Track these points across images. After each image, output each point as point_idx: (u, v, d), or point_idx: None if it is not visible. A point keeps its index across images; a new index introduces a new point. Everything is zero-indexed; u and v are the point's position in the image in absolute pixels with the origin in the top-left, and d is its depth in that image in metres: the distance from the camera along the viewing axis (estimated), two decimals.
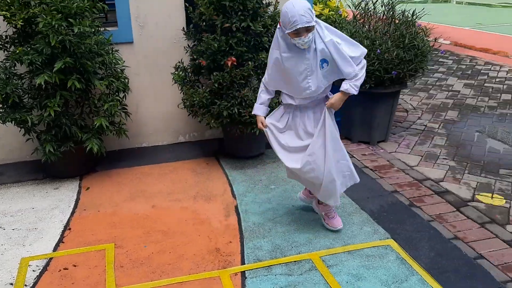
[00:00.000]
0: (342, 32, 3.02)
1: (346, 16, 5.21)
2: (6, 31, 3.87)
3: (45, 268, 2.89)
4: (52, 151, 3.78)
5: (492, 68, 7.98)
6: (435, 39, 4.87)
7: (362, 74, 2.84)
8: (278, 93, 3.14)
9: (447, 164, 4.33)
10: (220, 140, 4.86)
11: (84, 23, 3.65)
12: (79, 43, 3.61)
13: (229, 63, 3.86)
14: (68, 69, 3.65)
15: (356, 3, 4.83)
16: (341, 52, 2.76)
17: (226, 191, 3.84)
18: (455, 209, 3.53)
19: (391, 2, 4.67)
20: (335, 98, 2.89)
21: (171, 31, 4.50)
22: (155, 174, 4.17)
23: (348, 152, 3.12)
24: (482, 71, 7.77)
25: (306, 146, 2.99)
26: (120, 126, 4.15)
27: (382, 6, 4.74)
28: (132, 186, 3.94)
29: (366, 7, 4.78)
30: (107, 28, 4.17)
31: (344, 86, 2.84)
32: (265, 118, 3.14)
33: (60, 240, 3.19)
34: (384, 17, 4.73)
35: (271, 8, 4.15)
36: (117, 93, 4.06)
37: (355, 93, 2.86)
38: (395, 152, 4.61)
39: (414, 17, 4.62)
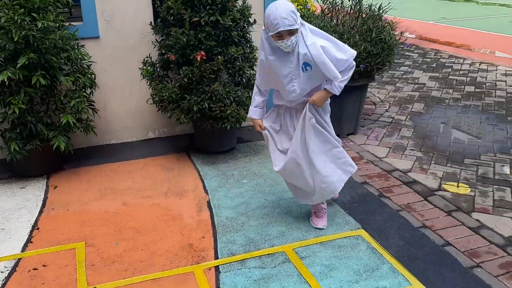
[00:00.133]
0: None
1: (314, 11, 5.24)
2: None
3: (13, 269, 2.82)
4: (18, 150, 3.67)
5: (455, 61, 8.20)
6: (401, 33, 4.97)
7: (348, 76, 2.82)
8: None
9: (414, 155, 4.43)
10: (190, 135, 4.83)
11: (48, 17, 3.56)
12: (43, 38, 3.52)
13: (199, 58, 3.84)
14: (32, 65, 3.56)
15: None
16: (323, 57, 2.69)
17: (197, 186, 3.83)
18: (422, 199, 3.62)
19: None
20: (318, 95, 2.87)
21: (139, 25, 4.43)
22: (124, 171, 4.12)
23: None
24: (446, 64, 7.97)
25: None
26: (88, 123, 4.07)
27: (349, 0, 4.80)
28: (102, 184, 3.88)
29: (334, 1, 4.82)
30: (72, 23, 4.07)
31: (328, 85, 2.83)
32: (261, 120, 3.11)
33: (29, 240, 3.11)
34: (352, 11, 4.79)
35: (240, 2, 4.14)
36: (83, 89, 3.97)
37: (337, 93, 2.85)
38: (364, 144, 4.69)
39: (381, 11, 4.70)
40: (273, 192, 3.70)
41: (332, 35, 4.26)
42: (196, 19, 3.84)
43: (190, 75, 3.86)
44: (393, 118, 5.42)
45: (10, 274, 2.77)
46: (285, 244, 3.04)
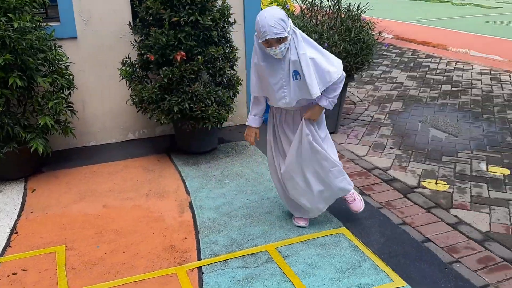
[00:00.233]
0: None
1: (294, 11, 5.27)
2: None
3: None
4: None
5: (432, 61, 8.33)
6: (379, 32, 5.03)
7: (340, 88, 2.82)
8: None
9: (393, 153, 4.49)
10: (171, 136, 4.80)
11: (24, 18, 3.50)
12: (20, 39, 3.46)
13: (178, 58, 3.82)
14: (8, 66, 3.49)
15: None
16: (310, 71, 2.67)
17: (179, 187, 3.81)
18: (402, 196, 3.67)
19: None
20: (313, 111, 2.87)
21: (117, 25, 4.39)
22: (104, 173, 4.07)
23: None
24: (423, 64, 8.10)
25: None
26: (66, 125, 4.01)
27: (328, 1, 4.83)
28: (81, 186, 3.83)
29: (313, 2, 4.86)
30: (49, 23, 4.01)
31: (324, 102, 2.83)
32: (258, 129, 3.09)
33: (7, 245, 3.05)
34: (330, 11, 4.83)
35: (220, 2, 4.14)
36: (61, 91, 3.92)
37: (331, 108, 2.88)
38: (345, 143, 4.73)
39: (359, 11, 4.75)
40: (255, 192, 3.71)
41: (311, 35, 4.33)
42: (175, 19, 3.82)
43: (170, 75, 3.84)
44: (373, 117, 5.48)
45: None
46: (268, 243, 3.05)
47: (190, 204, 3.55)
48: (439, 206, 3.53)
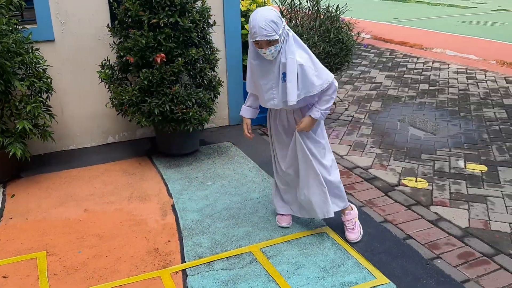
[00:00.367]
0: None
1: None
2: None
3: None
4: None
5: (410, 60, 8.45)
6: (358, 33, 5.09)
7: (333, 101, 2.79)
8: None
9: (374, 152, 4.54)
10: (152, 139, 4.77)
11: (0, 21, 3.43)
12: None
13: (158, 60, 3.79)
14: None
15: None
16: (293, 76, 2.61)
17: (161, 190, 3.78)
18: (383, 194, 3.72)
19: None
20: (305, 122, 2.82)
21: (95, 28, 4.34)
22: (85, 177, 4.02)
23: None
24: (401, 63, 8.21)
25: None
26: (45, 129, 3.95)
27: (307, 2, 4.87)
28: (61, 191, 3.77)
29: (292, 3, 4.88)
30: (26, 26, 3.95)
31: (316, 114, 2.78)
32: (250, 120, 3.06)
33: None
34: (310, 12, 4.86)
35: (199, 3, 4.13)
36: (39, 94, 3.86)
37: (322, 119, 2.84)
38: None
39: (338, 12, 4.80)
40: (238, 193, 3.71)
41: None
42: (155, 20, 3.79)
43: (150, 78, 3.81)
44: (353, 116, 5.54)
45: None
46: (252, 244, 3.05)
47: (173, 206, 3.53)
48: (419, 203, 3.58)
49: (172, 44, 3.85)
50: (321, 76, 2.69)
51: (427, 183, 3.89)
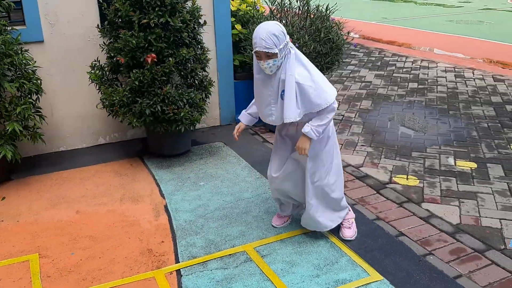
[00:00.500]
0: None
1: (264, 11, 5.30)
2: None
3: None
4: None
5: (398, 59, 8.51)
6: (348, 32, 5.11)
7: (328, 120, 2.69)
8: None
9: (365, 150, 4.57)
10: (143, 139, 4.76)
11: None
12: None
13: (149, 60, 3.78)
14: None
15: None
16: (290, 93, 2.59)
17: (153, 191, 3.77)
18: (375, 192, 3.74)
19: None
20: (301, 142, 2.74)
21: (85, 28, 4.32)
22: (76, 178, 4.00)
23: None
24: (390, 62, 8.27)
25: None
26: (35, 130, 3.91)
27: (297, 1, 4.88)
28: (52, 193, 3.75)
29: (282, 2, 4.90)
30: (15, 27, 3.91)
31: (306, 129, 2.69)
32: (245, 126, 3.03)
33: None
34: (300, 12, 4.88)
35: (189, 3, 4.12)
36: (29, 96, 3.83)
37: (315, 138, 2.71)
38: None
39: (328, 11, 4.81)
40: (231, 193, 3.71)
41: None
42: (145, 21, 3.78)
43: (141, 78, 3.80)
44: (343, 115, 5.56)
45: None
46: (245, 243, 3.06)
47: (166, 207, 3.52)
48: (410, 200, 3.61)
49: (163, 44, 3.84)
50: (321, 95, 2.63)
51: (418, 181, 3.93)
